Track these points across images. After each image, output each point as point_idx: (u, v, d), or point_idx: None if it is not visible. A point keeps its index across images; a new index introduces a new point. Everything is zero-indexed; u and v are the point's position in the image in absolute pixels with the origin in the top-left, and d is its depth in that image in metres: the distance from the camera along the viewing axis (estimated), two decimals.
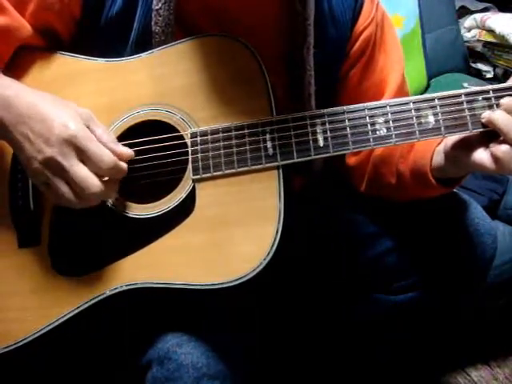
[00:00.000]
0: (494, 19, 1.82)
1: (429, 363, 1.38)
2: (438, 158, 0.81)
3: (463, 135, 0.76)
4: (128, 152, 0.76)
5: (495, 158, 0.72)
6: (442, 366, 1.42)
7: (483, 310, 1.40)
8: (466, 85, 1.64)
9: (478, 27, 1.89)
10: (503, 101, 0.73)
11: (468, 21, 1.92)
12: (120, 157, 0.74)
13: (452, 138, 0.78)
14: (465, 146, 0.76)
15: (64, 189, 0.71)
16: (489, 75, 1.88)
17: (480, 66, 1.92)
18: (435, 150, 0.82)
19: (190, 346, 0.78)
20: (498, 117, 0.72)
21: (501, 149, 0.71)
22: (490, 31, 1.84)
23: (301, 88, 0.89)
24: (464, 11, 1.97)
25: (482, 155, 0.74)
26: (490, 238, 0.94)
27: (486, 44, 1.88)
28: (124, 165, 0.75)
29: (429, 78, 1.77)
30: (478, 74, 1.90)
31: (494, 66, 1.88)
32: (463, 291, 0.98)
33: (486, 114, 0.73)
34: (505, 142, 0.71)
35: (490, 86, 0.75)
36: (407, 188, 0.90)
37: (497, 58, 1.85)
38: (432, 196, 0.89)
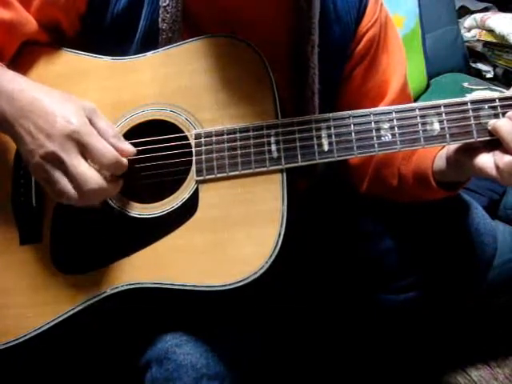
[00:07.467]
0: (493, 19, 1.83)
1: (429, 363, 1.38)
2: (440, 163, 0.81)
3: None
4: (130, 149, 0.75)
5: (497, 168, 0.72)
6: (442, 366, 1.42)
7: (483, 309, 1.41)
8: (466, 85, 1.65)
9: (477, 27, 1.89)
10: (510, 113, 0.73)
11: (468, 21, 1.92)
12: (122, 153, 0.74)
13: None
14: (467, 151, 0.76)
15: (64, 183, 0.70)
16: (489, 75, 1.88)
17: (480, 66, 1.92)
18: (437, 154, 0.82)
19: (190, 346, 0.78)
20: (502, 124, 0.71)
21: (504, 159, 0.71)
22: (490, 31, 1.84)
23: (304, 87, 0.88)
24: (464, 11, 1.97)
25: (484, 160, 0.73)
26: (490, 238, 0.94)
27: (486, 44, 1.88)
28: (124, 160, 0.74)
29: (429, 78, 1.77)
30: (478, 74, 1.91)
31: (494, 66, 1.88)
32: (463, 291, 0.98)
33: (492, 122, 0.73)
34: (507, 151, 0.71)
35: (496, 95, 0.74)
36: (409, 190, 0.90)
37: (497, 58, 1.86)
38: (433, 199, 0.89)
